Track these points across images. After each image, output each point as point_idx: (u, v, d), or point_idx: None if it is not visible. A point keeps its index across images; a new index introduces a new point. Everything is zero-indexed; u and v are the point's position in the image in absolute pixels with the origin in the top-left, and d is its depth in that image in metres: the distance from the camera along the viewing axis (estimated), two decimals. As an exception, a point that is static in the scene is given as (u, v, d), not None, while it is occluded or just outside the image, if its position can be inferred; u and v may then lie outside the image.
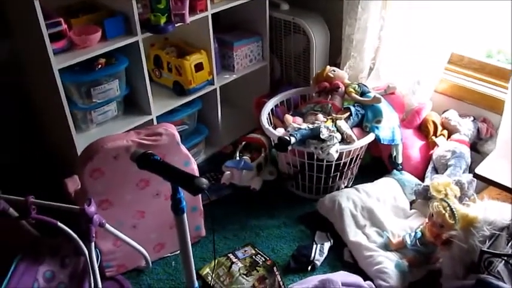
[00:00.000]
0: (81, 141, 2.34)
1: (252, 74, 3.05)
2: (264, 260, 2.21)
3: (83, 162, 1.97)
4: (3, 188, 2.03)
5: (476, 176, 1.77)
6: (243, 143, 2.88)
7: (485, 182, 1.78)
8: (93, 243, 1.85)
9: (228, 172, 2.71)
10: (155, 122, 2.61)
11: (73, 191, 2.23)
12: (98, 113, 2.46)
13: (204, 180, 1.44)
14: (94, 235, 1.84)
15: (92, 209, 1.83)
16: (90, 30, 2.27)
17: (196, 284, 1.77)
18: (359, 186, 2.58)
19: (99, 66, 2.32)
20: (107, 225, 1.94)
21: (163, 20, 2.36)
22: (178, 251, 2.34)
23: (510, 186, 1.71)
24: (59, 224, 1.85)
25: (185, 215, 1.60)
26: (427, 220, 2.25)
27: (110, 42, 2.29)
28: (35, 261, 2.00)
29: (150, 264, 2.28)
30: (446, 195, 2.18)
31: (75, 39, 2.23)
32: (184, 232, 1.63)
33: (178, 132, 2.75)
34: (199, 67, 2.68)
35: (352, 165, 2.61)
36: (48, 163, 2.68)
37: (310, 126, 2.45)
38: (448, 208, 2.12)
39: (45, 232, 2.11)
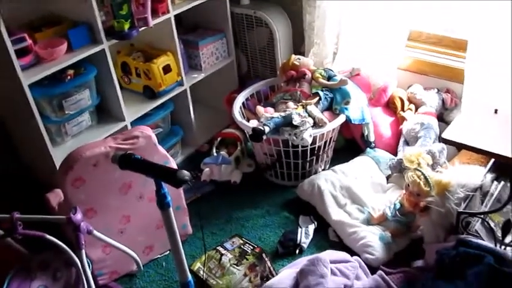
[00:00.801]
0: (57, 155, 2.36)
1: (219, 71, 3.10)
2: (252, 248, 2.25)
3: (63, 172, 1.98)
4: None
5: (443, 140, 1.85)
6: (219, 138, 2.92)
7: (453, 145, 1.86)
8: (83, 251, 1.86)
9: (207, 169, 2.75)
10: (129, 128, 2.62)
11: (56, 204, 2.24)
12: (71, 124, 2.47)
13: (186, 172, 1.48)
14: (83, 243, 1.86)
15: (78, 216, 1.85)
16: (55, 43, 2.28)
17: (189, 277, 1.80)
18: (336, 167, 2.65)
19: (68, 77, 2.33)
20: (95, 232, 1.95)
21: (127, 26, 2.39)
22: (168, 252, 2.39)
23: (476, 146, 1.79)
24: (47, 236, 1.86)
25: (171, 209, 1.63)
26: (404, 191, 2.33)
27: (76, 53, 2.31)
28: (26, 278, 2.01)
29: (142, 268, 2.30)
30: (419, 164, 2.27)
31: (41, 53, 2.24)
32: (172, 226, 1.66)
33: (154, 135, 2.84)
34: (167, 69, 2.71)
35: (326, 148, 2.68)
36: (26, 180, 2.68)
37: (282, 114, 2.51)
38: (422, 176, 2.20)
39: (32, 249, 2.12)
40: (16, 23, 2.34)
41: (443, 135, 1.86)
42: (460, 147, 1.86)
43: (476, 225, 2.11)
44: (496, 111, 1.97)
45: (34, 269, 2.05)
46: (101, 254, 2.18)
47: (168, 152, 2.89)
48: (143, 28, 2.47)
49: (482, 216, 2.03)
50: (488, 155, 1.82)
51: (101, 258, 2.19)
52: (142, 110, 2.69)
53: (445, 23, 2.83)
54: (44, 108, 2.35)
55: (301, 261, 2.08)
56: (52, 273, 2.07)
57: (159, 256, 2.40)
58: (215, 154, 2.78)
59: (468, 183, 2.12)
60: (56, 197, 2.26)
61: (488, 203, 2.17)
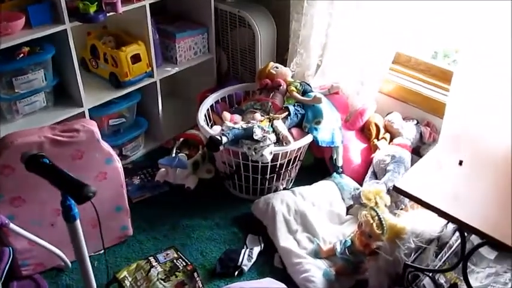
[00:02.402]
0: (5, 133, 2.21)
1: (197, 66, 2.95)
2: (184, 264, 2.11)
3: (-9, 158, 1.86)
4: None
5: (396, 189, 1.68)
6: (181, 139, 2.77)
7: (405, 196, 1.70)
8: (-8, 245, 1.75)
9: (163, 169, 2.61)
10: (87, 115, 2.50)
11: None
12: (23, 103, 2.34)
13: (92, 189, 1.34)
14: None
15: (-9, 208, 1.72)
16: (12, 16, 2.14)
17: (96, 293, 1.68)
18: (296, 188, 2.50)
19: (21, 55, 2.20)
20: (12, 226, 1.83)
21: (93, 9, 2.24)
22: (102, 251, 2.26)
23: (427, 202, 1.62)
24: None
25: (78, 222, 1.49)
26: (357, 228, 2.18)
27: (34, 30, 2.17)
28: None
29: (69, 264, 2.17)
30: (376, 203, 2.11)
31: (-4, 26, 2.11)
32: (78, 241, 1.53)
33: (115, 125, 2.71)
34: (136, 58, 2.57)
35: (290, 166, 2.53)
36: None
37: (244, 125, 2.35)
38: (376, 217, 2.05)
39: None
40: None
41: (396, 184, 1.70)
42: (412, 200, 1.69)
43: (425, 280, 1.95)
44: (460, 162, 1.80)
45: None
46: (27, 245, 2.06)
47: (129, 143, 2.81)
48: (111, 13, 2.32)
49: (429, 274, 1.87)
50: (441, 215, 1.65)
51: (27, 248, 2.07)
52: (104, 97, 2.56)
53: (436, 45, 2.66)
54: (-6, 83, 2.23)
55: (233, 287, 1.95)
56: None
57: (92, 254, 2.26)
58: (174, 155, 2.63)
59: (423, 233, 1.95)
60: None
61: (444, 256, 2.01)
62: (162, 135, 2.96)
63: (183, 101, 3.24)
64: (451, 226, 2.02)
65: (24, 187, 1.93)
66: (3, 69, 2.18)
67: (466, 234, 1.75)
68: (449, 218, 1.64)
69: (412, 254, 1.93)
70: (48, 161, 1.45)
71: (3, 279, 1.91)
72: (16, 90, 2.26)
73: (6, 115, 2.34)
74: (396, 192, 1.72)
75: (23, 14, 2.16)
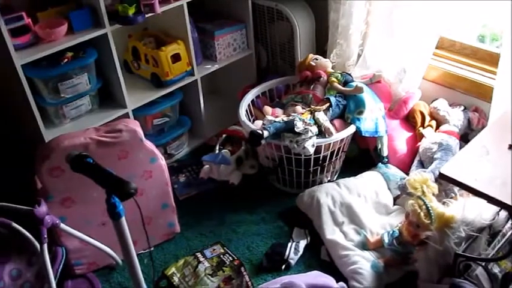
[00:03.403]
0: (53, 136, 2.30)
1: (237, 63, 2.95)
2: (231, 259, 2.12)
3: (40, 161, 1.92)
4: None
5: (441, 176, 1.62)
6: (224, 135, 2.79)
7: (451, 183, 1.64)
8: (45, 246, 1.80)
9: (207, 166, 2.63)
10: (131, 115, 2.55)
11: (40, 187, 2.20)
12: (70, 107, 2.41)
13: (133, 185, 1.38)
14: (46, 236, 1.79)
15: (43, 209, 1.78)
16: (55, 23, 2.21)
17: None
18: (340, 180, 2.47)
19: (65, 60, 2.26)
20: (62, 225, 1.89)
21: (131, 11, 2.28)
22: (152, 248, 2.31)
23: (475, 188, 1.56)
24: (13, 224, 1.81)
25: (123, 219, 1.52)
26: (404, 219, 2.12)
27: (77, 36, 2.23)
28: (0, 260, 1.98)
29: (120, 262, 2.23)
30: (423, 192, 2.05)
31: (40, 33, 2.18)
32: (124, 237, 1.56)
33: (159, 124, 2.76)
34: (176, 58, 2.60)
35: (333, 158, 2.50)
36: (24, 160, 2.66)
37: (285, 118, 2.34)
38: (423, 207, 1.99)
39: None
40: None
41: (442, 170, 1.64)
42: (458, 186, 1.63)
43: (478, 269, 1.88)
44: (510, 146, 1.73)
45: (10, 252, 2.01)
46: (79, 244, 2.12)
47: (173, 142, 2.85)
48: (150, 14, 2.36)
49: (482, 263, 1.80)
50: (492, 202, 1.58)
51: (79, 248, 2.14)
52: (146, 98, 2.60)
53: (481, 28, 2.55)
54: (41, 89, 2.30)
55: (276, 283, 1.94)
56: (27, 257, 2.03)
57: (142, 252, 2.30)
58: (217, 151, 2.65)
59: (474, 221, 1.89)
60: (43, 180, 2.22)
61: (497, 244, 1.93)
62: (205, 133, 2.98)
63: (224, 98, 3.26)
64: (504, 213, 1.94)
65: (74, 188, 1.99)
66: (49, 75, 2.25)
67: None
68: (500, 204, 1.58)
69: (463, 243, 1.87)
70: (91, 161, 1.48)
71: (58, 278, 1.98)
72: (62, 95, 2.33)
73: (54, 120, 2.42)
74: (442, 179, 1.66)
75: (65, 20, 2.22)
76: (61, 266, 2.02)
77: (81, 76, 2.34)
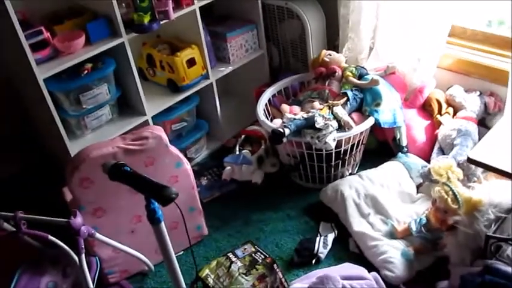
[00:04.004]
0: (76, 148, 2.32)
1: (250, 63, 2.98)
2: (263, 257, 2.15)
3: (70, 172, 1.95)
4: (5, 199, 2.04)
5: (470, 161, 1.65)
6: (243, 136, 2.82)
7: (481, 167, 1.66)
8: (83, 256, 1.83)
9: (229, 168, 2.65)
10: (151, 122, 2.57)
11: (69, 200, 2.23)
12: (91, 118, 2.44)
13: (173, 190, 1.40)
14: (83, 247, 1.82)
15: (79, 220, 1.80)
16: (73, 36, 2.24)
17: (185, 290, 1.74)
18: (362, 172, 2.49)
19: (86, 71, 2.29)
20: (97, 235, 1.91)
21: (147, 19, 2.31)
22: (182, 252, 2.34)
23: (507, 171, 1.59)
24: (50, 237, 1.84)
25: (162, 224, 1.55)
26: (431, 205, 2.15)
27: (94, 46, 2.27)
28: (36, 273, 2.00)
29: (152, 268, 2.26)
30: (448, 178, 2.07)
31: (59, 46, 2.21)
32: (164, 241, 1.58)
33: (178, 129, 2.79)
34: (191, 62, 2.62)
35: (354, 151, 2.52)
36: (49, 172, 2.69)
37: (305, 115, 2.37)
38: (450, 192, 2.02)
39: (46, 243, 2.12)
40: (40, 14, 2.34)
41: (470, 155, 1.67)
42: (487, 169, 1.66)
43: (508, 250, 1.90)
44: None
45: (45, 264, 2.04)
46: (111, 253, 2.16)
47: (192, 146, 2.88)
48: (164, 21, 2.39)
49: (512, 242, 1.83)
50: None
51: (112, 257, 2.16)
52: (164, 104, 2.63)
53: (491, 13, 2.57)
54: (62, 101, 2.33)
55: (311, 276, 1.96)
56: (62, 269, 2.06)
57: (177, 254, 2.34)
58: (237, 152, 2.68)
59: (502, 203, 1.91)
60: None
61: (526, 225, 1.97)
62: (223, 135, 3.01)
63: (239, 99, 3.29)
64: (530, 194, 1.97)
65: (104, 197, 2.02)
66: (70, 87, 2.28)
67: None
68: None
69: (492, 225, 1.90)
70: (129, 169, 1.51)
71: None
72: (84, 106, 2.36)
73: (76, 131, 2.45)
74: (470, 163, 1.69)
75: (82, 32, 2.25)
76: (96, 275, 2.05)
77: (101, 87, 2.37)
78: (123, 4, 2.34)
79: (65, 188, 2.29)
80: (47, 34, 2.20)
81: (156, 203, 1.49)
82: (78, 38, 2.22)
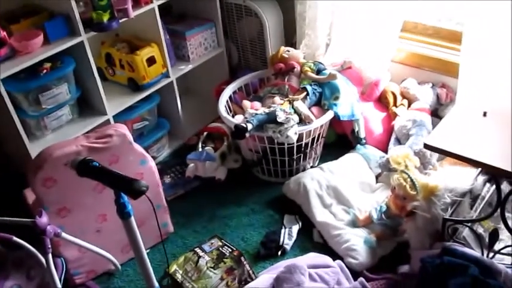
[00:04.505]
0: (37, 149, 2.25)
1: (209, 61, 3.00)
2: (230, 251, 2.18)
3: (33, 172, 1.92)
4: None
5: (426, 147, 1.74)
6: (205, 133, 2.84)
7: (437, 152, 1.76)
8: (49, 255, 1.80)
9: (192, 165, 2.67)
10: (112, 122, 2.56)
11: (32, 201, 2.19)
12: (51, 118, 2.40)
13: (143, 183, 1.41)
14: (50, 246, 1.80)
15: (44, 220, 1.78)
16: (30, 35, 2.20)
17: (156, 285, 1.74)
18: (323, 165, 2.56)
19: (44, 71, 2.26)
20: (64, 234, 1.89)
21: (106, 17, 2.29)
22: (148, 250, 2.33)
23: (461, 154, 1.68)
24: (14, 238, 1.81)
25: (132, 218, 1.56)
26: (390, 193, 2.24)
27: (53, 46, 2.23)
28: (0, 276, 1.97)
29: (119, 267, 2.25)
30: (406, 166, 2.16)
31: (16, 46, 2.16)
32: (134, 236, 1.59)
33: (139, 128, 2.78)
34: (151, 61, 2.62)
35: (314, 145, 2.59)
36: (8, 175, 2.63)
37: (267, 110, 2.41)
38: (408, 179, 2.11)
39: (10, 245, 2.08)
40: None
41: (426, 142, 1.75)
42: (443, 154, 1.75)
43: (464, 231, 2.01)
44: (484, 113, 1.86)
45: (8, 267, 2.01)
46: (77, 253, 2.13)
47: (154, 145, 2.88)
48: (124, 19, 2.38)
49: (468, 224, 1.92)
50: (475, 164, 1.71)
51: (77, 257, 2.14)
52: (125, 103, 2.61)
53: (441, 11, 2.69)
54: (21, 102, 2.29)
55: (279, 266, 2.01)
56: (26, 271, 2.03)
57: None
58: (200, 149, 2.70)
59: (457, 187, 2.01)
60: (32, 194, 2.21)
61: (478, 207, 2.07)
62: (184, 133, 3.02)
63: (198, 97, 3.30)
64: (481, 178, 2.08)
65: (68, 197, 2.00)
66: (29, 87, 2.24)
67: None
68: (484, 166, 1.70)
69: (449, 209, 2.00)
70: (97, 164, 1.51)
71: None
72: (43, 106, 2.32)
73: (35, 132, 2.41)
74: (426, 149, 1.77)
75: (40, 31, 2.21)
76: (62, 276, 2.02)
77: (60, 86, 2.34)
78: (81, 3, 2.32)
79: (26, 189, 2.26)
80: (3, 33, 2.15)
81: (126, 197, 1.50)
82: (36, 37, 2.19)
